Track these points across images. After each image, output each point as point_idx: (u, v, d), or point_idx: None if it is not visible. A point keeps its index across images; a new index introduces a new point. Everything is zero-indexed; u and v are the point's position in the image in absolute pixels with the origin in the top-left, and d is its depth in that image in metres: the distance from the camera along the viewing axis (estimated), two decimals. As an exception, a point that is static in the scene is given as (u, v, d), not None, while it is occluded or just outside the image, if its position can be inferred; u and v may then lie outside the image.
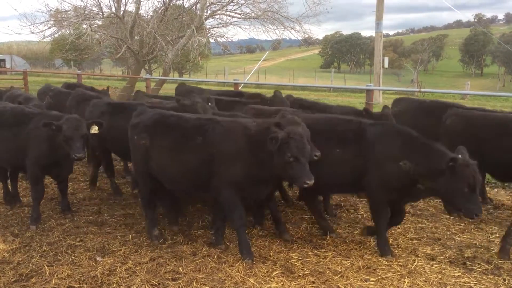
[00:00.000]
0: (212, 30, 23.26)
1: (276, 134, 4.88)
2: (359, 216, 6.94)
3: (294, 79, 58.89)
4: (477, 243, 5.91)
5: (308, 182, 4.79)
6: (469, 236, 6.13)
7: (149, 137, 5.67)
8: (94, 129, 6.18)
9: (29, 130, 6.29)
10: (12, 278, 4.87)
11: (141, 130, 5.76)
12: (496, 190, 8.41)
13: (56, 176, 6.72)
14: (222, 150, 5.22)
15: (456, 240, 5.99)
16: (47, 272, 4.95)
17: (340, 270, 5.05)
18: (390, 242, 5.82)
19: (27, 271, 5.00)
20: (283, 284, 4.73)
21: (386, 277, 4.93)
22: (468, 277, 4.96)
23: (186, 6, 23.01)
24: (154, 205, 6.09)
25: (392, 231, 6.21)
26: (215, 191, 5.35)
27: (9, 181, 7.30)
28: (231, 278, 4.85)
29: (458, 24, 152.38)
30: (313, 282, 4.79)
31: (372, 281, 4.84)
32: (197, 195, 6.48)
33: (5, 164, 6.97)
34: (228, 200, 5.28)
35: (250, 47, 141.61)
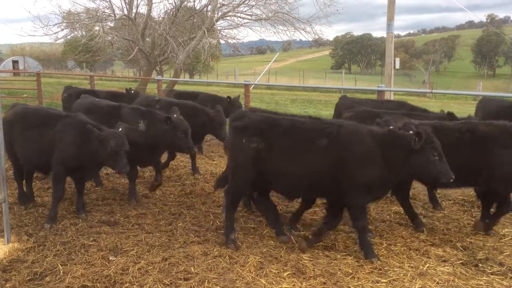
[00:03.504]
0: (223, 32, 23.46)
1: (421, 132, 5.02)
2: (370, 217, 6.91)
3: (305, 80, 58.86)
4: (489, 245, 5.88)
5: (453, 176, 5.10)
6: (481, 238, 6.08)
7: (262, 140, 5.53)
8: None
9: (57, 132, 6.41)
10: (26, 277, 4.94)
11: (252, 133, 5.58)
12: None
13: (78, 178, 6.79)
14: (354, 153, 5.24)
15: (468, 242, 5.95)
16: (61, 271, 5.02)
17: (351, 271, 5.05)
18: (402, 244, 5.83)
19: (41, 270, 5.07)
20: (294, 285, 4.74)
21: (397, 278, 4.92)
22: (480, 279, 4.93)
23: (197, 7, 23.21)
24: (236, 210, 6.09)
25: (404, 232, 6.21)
26: (343, 194, 5.37)
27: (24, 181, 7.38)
28: (243, 278, 4.88)
29: (470, 24, 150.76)
30: (324, 283, 4.79)
31: (384, 282, 4.83)
32: (313, 197, 6.39)
33: (30, 165, 7.04)
34: (358, 203, 5.38)
35: (260, 48, 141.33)
